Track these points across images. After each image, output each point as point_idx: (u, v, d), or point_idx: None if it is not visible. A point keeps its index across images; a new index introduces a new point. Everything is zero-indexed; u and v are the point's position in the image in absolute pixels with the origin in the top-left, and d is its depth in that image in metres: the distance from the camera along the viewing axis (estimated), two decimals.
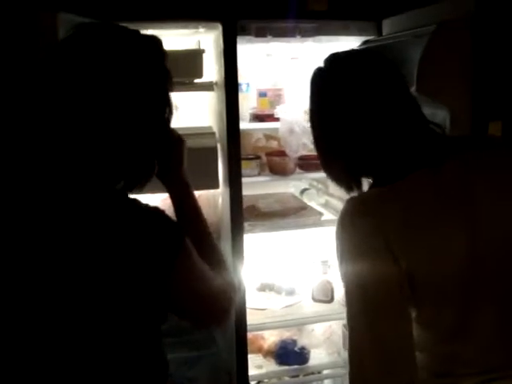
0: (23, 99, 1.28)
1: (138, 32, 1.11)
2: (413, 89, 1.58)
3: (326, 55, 1.27)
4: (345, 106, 1.18)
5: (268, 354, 2.51)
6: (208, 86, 2.18)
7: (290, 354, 2.47)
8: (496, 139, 1.49)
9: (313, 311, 2.49)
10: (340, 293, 2.45)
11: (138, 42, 1.09)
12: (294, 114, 2.24)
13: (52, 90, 1.02)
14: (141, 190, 1.14)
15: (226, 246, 2.18)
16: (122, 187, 1.10)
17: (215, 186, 2.15)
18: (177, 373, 2.15)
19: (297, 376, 2.53)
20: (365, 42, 2.20)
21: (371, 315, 1.08)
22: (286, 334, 2.57)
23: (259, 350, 2.53)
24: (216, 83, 2.16)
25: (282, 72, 2.57)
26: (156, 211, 1.05)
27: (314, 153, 1.34)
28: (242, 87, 2.40)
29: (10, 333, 1.00)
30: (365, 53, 1.35)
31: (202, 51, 2.16)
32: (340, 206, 2.44)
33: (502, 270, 1.12)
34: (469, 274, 1.10)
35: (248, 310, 2.22)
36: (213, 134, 2.18)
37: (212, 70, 2.18)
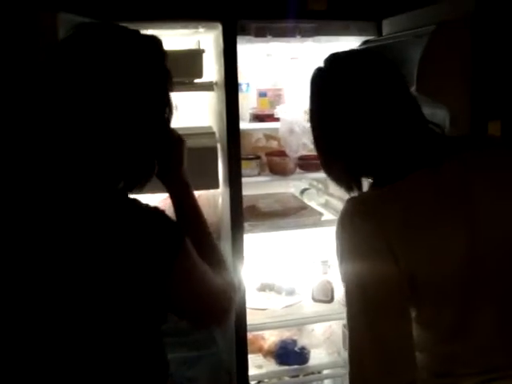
0: (23, 99, 1.28)
1: (138, 32, 1.11)
2: (413, 89, 1.58)
3: (326, 55, 1.27)
4: (345, 106, 1.18)
5: (268, 353, 2.51)
6: (208, 86, 2.18)
7: (290, 354, 2.47)
8: (495, 139, 1.50)
9: (313, 311, 2.49)
10: (340, 293, 2.45)
11: (138, 42, 1.09)
12: (294, 114, 2.24)
13: (52, 90, 1.02)
14: (141, 190, 1.14)
15: (226, 246, 2.18)
16: (122, 187, 1.10)
17: (215, 185, 2.15)
18: (177, 373, 2.15)
19: (297, 376, 2.53)
20: (365, 42, 2.20)
21: (371, 315, 1.08)
22: (286, 334, 2.57)
23: (259, 350, 2.53)
24: (216, 83, 2.16)
25: (282, 72, 2.57)
26: (156, 211, 1.05)
27: (314, 153, 1.34)
28: (242, 87, 2.40)
29: (10, 334, 1.00)
30: (365, 53, 1.35)
31: (202, 51, 2.16)
32: (340, 206, 2.44)
33: (502, 269, 1.12)
34: (468, 274, 1.10)
35: (248, 310, 2.22)
36: (213, 133, 2.18)
37: (212, 69, 2.18)
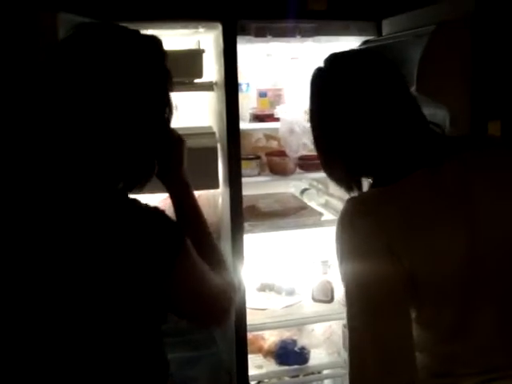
0: (23, 99, 1.28)
1: (137, 32, 1.11)
2: (413, 89, 1.58)
3: (326, 55, 1.27)
4: (345, 106, 1.18)
5: (268, 354, 2.51)
6: (208, 86, 2.18)
7: (290, 354, 2.47)
8: (495, 139, 1.50)
9: (313, 311, 2.49)
10: (340, 293, 2.45)
11: (138, 42, 1.09)
12: (294, 113, 2.24)
13: (52, 90, 1.02)
14: (141, 190, 1.14)
15: (226, 246, 2.18)
16: (122, 187, 1.10)
17: (215, 185, 2.15)
18: (177, 373, 2.15)
19: (297, 376, 2.53)
20: (365, 42, 2.20)
21: (371, 314, 1.08)
22: (286, 334, 2.57)
23: (259, 350, 2.53)
24: (216, 83, 2.16)
25: (282, 72, 2.57)
26: (156, 211, 1.05)
27: (314, 153, 1.34)
28: (242, 87, 2.40)
29: (10, 333, 1.00)
30: (365, 53, 1.35)
31: (202, 51, 2.16)
32: (340, 206, 2.44)
33: (502, 269, 1.12)
34: (468, 274, 1.10)
35: (248, 310, 2.22)
36: (213, 133, 2.18)
37: (212, 69, 2.18)
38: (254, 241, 2.40)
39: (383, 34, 2.17)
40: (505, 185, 1.15)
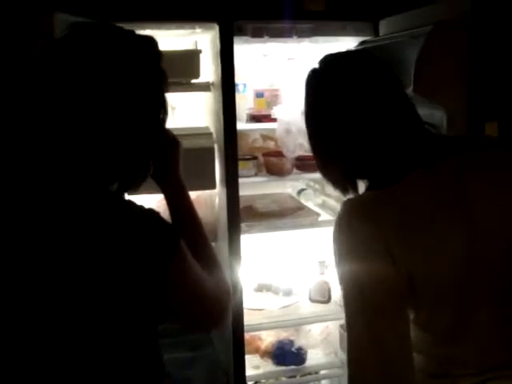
0: (18, 100, 1.27)
1: (133, 32, 1.10)
2: (410, 89, 1.58)
3: (323, 56, 1.27)
4: (339, 108, 1.18)
5: (265, 354, 2.50)
6: (205, 87, 2.18)
7: (287, 355, 2.47)
8: (492, 139, 1.50)
9: (310, 312, 2.49)
10: (337, 293, 2.46)
11: (133, 42, 1.08)
12: (291, 114, 2.23)
13: (46, 90, 1.02)
14: (136, 191, 1.13)
15: (223, 247, 2.18)
16: (117, 188, 1.10)
17: (212, 186, 2.15)
18: (174, 373, 2.15)
19: (294, 376, 2.53)
20: (361, 43, 2.20)
21: (370, 315, 1.08)
22: (283, 335, 2.57)
23: (256, 351, 2.53)
24: (213, 83, 2.16)
25: (279, 72, 2.57)
26: (150, 213, 1.04)
27: (311, 153, 1.34)
28: (239, 87, 2.40)
29: (5, 334, 1.00)
30: (359, 54, 1.35)
31: (199, 51, 2.16)
32: (337, 206, 2.45)
33: (499, 270, 1.13)
34: (466, 274, 1.10)
35: (245, 311, 2.22)
36: (210, 134, 2.18)
37: (209, 70, 2.18)
38: (251, 241, 2.40)
39: (380, 34, 2.17)
40: (502, 186, 1.15)
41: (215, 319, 1.18)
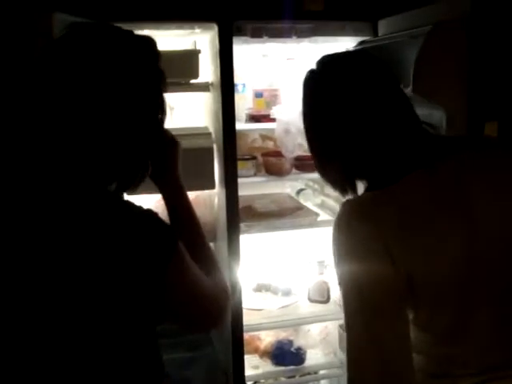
0: (17, 100, 1.27)
1: (131, 32, 1.10)
2: (409, 89, 1.58)
3: (320, 56, 1.27)
4: (338, 108, 1.18)
5: (264, 354, 2.51)
6: (204, 87, 2.18)
7: (286, 355, 2.47)
8: (492, 139, 1.50)
9: (309, 311, 2.49)
10: (336, 293, 2.46)
11: (132, 42, 1.08)
12: (290, 114, 2.23)
13: (44, 90, 1.01)
14: (134, 191, 1.13)
15: (222, 247, 2.18)
16: (115, 188, 1.10)
17: (211, 186, 2.16)
18: (173, 373, 2.15)
19: (293, 376, 2.53)
20: (361, 43, 2.20)
21: (369, 315, 1.08)
22: (283, 335, 2.58)
23: (255, 351, 2.53)
24: (212, 84, 2.16)
25: (278, 72, 2.57)
26: (149, 214, 1.04)
27: (310, 153, 1.34)
28: (238, 88, 2.40)
29: (4, 335, 0.99)
30: (357, 54, 1.34)
31: (198, 52, 2.16)
32: (336, 206, 2.45)
33: (498, 270, 1.13)
34: (465, 274, 1.10)
35: (244, 311, 2.22)
36: (209, 134, 2.18)
37: (208, 70, 2.18)
38: (251, 241, 2.40)
39: (379, 34, 2.17)
40: (501, 186, 1.15)
41: (214, 319, 1.18)
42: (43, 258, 0.96)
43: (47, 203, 0.99)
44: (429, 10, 1.78)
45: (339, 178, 1.25)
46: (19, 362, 0.99)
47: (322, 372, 2.63)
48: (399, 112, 1.18)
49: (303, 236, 2.64)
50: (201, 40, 2.33)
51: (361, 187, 1.25)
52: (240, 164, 2.17)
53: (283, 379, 2.53)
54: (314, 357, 2.58)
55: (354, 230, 1.11)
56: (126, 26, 1.10)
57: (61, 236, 0.97)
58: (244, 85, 2.48)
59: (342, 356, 2.48)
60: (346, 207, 1.15)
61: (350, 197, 1.24)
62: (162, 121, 1.15)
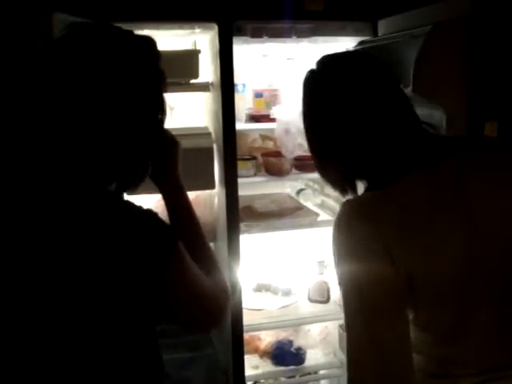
0: (16, 100, 1.27)
1: (131, 32, 1.10)
2: (409, 89, 1.58)
3: (320, 56, 1.27)
4: (337, 108, 1.18)
5: (264, 354, 2.51)
6: (204, 87, 2.18)
7: (286, 355, 2.47)
8: (492, 139, 1.50)
9: (309, 312, 2.49)
10: (336, 293, 2.46)
11: (132, 42, 1.08)
12: (290, 114, 2.23)
13: (44, 90, 1.01)
14: (134, 191, 1.13)
15: (222, 247, 2.18)
16: (115, 188, 1.10)
17: (211, 186, 2.16)
18: (173, 373, 2.15)
19: (293, 376, 2.54)
20: (361, 43, 2.20)
21: (369, 315, 1.08)
22: (283, 335, 2.58)
23: (256, 351, 2.53)
24: (212, 84, 2.16)
25: (278, 72, 2.57)
26: (149, 214, 1.04)
27: (310, 153, 1.34)
28: (238, 88, 2.39)
29: (4, 335, 0.99)
30: (357, 54, 1.34)
31: (198, 52, 2.16)
32: (336, 206, 2.46)
33: (498, 270, 1.12)
34: (465, 275, 1.10)
35: (244, 311, 2.22)
36: (209, 134, 2.18)
37: (208, 70, 2.18)
38: (250, 241, 2.40)
39: (379, 34, 2.17)
40: (501, 186, 1.15)
41: (214, 319, 1.18)
42: (43, 259, 0.96)
43: (47, 203, 0.99)
44: (429, 10, 1.78)
45: (339, 178, 1.25)
46: (19, 363, 0.99)
47: (322, 372, 2.63)
48: (399, 112, 1.18)
49: (303, 236, 2.64)
50: (201, 40, 2.33)
51: (361, 187, 1.25)
52: (240, 164, 2.17)
53: (283, 379, 2.53)
54: (313, 357, 2.58)
55: (354, 230, 1.11)
56: (126, 26, 1.10)
57: (61, 236, 0.97)
58: (244, 85, 2.48)
59: (342, 356, 2.48)
60: (346, 207, 1.15)
61: (350, 197, 1.24)
62: (161, 121, 1.15)
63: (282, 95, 2.55)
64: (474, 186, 1.13)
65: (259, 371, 2.47)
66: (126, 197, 1.18)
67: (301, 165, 2.36)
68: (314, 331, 2.68)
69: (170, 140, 1.29)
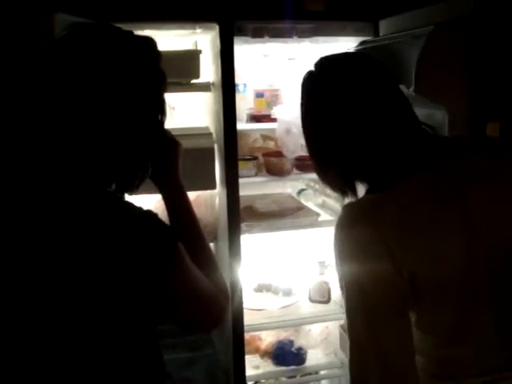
0: (17, 100, 1.27)
1: (131, 33, 1.10)
2: (411, 89, 1.58)
3: (323, 56, 1.26)
4: (336, 110, 1.17)
5: (265, 354, 2.51)
6: (205, 87, 2.18)
7: (287, 355, 2.47)
8: (493, 140, 1.49)
9: (310, 312, 2.49)
10: (337, 293, 2.46)
11: (132, 42, 1.08)
12: (291, 114, 2.23)
13: (44, 91, 1.01)
14: (134, 192, 1.13)
15: (223, 247, 2.18)
16: (115, 189, 1.09)
17: (212, 186, 2.15)
18: (174, 374, 2.15)
19: (294, 376, 2.54)
20: (362, 43, 2.20)
21: (370, 315, 1.08)
22: (283, 335, 2.58)
23: (256, 351, 2.53)
24: (213, 84, 2.16)
25: (279, 72, 2.57)
26: (149, 215, 1.04)
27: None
28: (239, 88, 2.39)
29: (4, 336, 0.99)
30: (355, 56, 1.34)
31: (199, 52, 2.16)
32: (337, 206, 2.46)
33: (498, 272, 1.12)
34: (465, 276, 1.10)
35: (245, 311, 2.22)
36: (210, 134, 2.18)
37: (209, 70, 2.18)
38: (251, 241, 2.40)
39: (380, 34, 2.16)
40: (501, 189, 1.15)
41: (213, 320, 1.18)
42: (43, 260, 0.96)
43: (47, 204, 0.99)
44: (430, 11, 1.78)
45: (339, 181, 1.25)
46: (20, 363, 0.99)
47: (322, 372, 2.63)
48: (398, 113, 1.18)
49: (304, 236, 2.64)
50: (202, 40, 2.33)
51: (361, 189, 1.24)
52: (241, 164, 2.17)
53: (284, 379, 2.53)
54: (314, 357, 2.58)
55: (355, 233, 1.11)
56: (127, 27, 1.10)
57: (61, 237, 0.97)
58: (245, 85, 2.48)
59: (343, 356, 2.48)
60: (347, 210, 1.15)
61: (350, 199, 1.23)
62: (162, 121, 1.15)
63: (283, 95, 2.55)
64: (474, 187, 1.12)
65: (260, 371, 2.47)
66: (127, 197, 1.17)
67: (302, 165, 2.35)
68: (315, 331, 2.68)
69: (170, 140, 1.29)
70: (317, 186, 2.70)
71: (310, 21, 2.12)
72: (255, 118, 2.41)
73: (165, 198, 1.29)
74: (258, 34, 2.08)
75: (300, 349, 2.49)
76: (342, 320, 2.43)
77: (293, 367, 2.48)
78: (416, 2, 1.86)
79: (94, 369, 1.01)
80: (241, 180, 2.12)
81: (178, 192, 1.29)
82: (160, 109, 1.13)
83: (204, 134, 2.17)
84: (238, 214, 2.11)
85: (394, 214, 1.10)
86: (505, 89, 1.64)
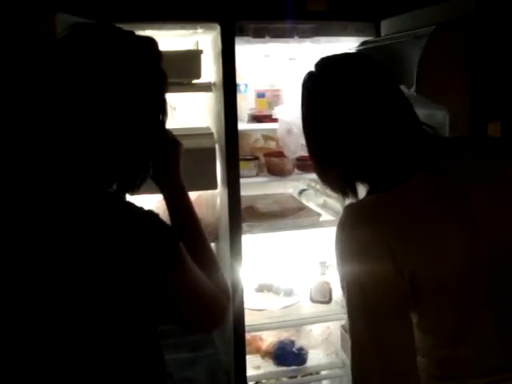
0: (18, 100, 1.27)
1: (132, 33, 1.10)
2: (412, 89, 1.58)
3: (324, 56, 1.26)
4: (337, 111, 1.17)
5: (266, 354, 2.51)
6: (206, 87, 2.18)
7: (288, 355, 2.47)
8: (495, 140, 1.49)
9: (311, 312, 2.49)
10: (338, 293, 2.46)
11: (133, 42, 1.08)
12: (292, 114, 2.23)
13: (45, 91, 1.01)
14: (135, 192, 1.13)
15: (224, 247, 2.18)
16: (116, 189, 1.09)
17: (213, 186, 2.15)
18: (175, 373, 2.15)
19: (295, 377, 2.54)
20: (363, 43, 2.20)
21: (371, 316, 1.08)
22: (284, 335, 2.58)
23: (257, 351, 2.53)
24: (214, 84, 2.16)
25: (280, 73, 2.57)
26: (150, 215, 1.04)
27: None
28: (240, 88, 2.39)
29: (5, 337, 0.99)
30: (355, 56, 1.34)
31: (200, 52, 2.16)
32: (338, 206, 2.46)
33: (499, 273, 1.12)
34: (466, 276, 1.10)
35: (246, 311, 2.22)
36: (211, 134, 2.18)
37: (210, 70, 2.18)
38: (253, 241, 2.41)
39: (382, 34, 2.16)
40: (502, 190, 1.15)
41: (214, 320, 1.18)
42: (44, 260, 0.96)
43: (48, 204, 0.99)
44: (432, 11, 1.78)
45: (339, 182, 1.24)
46: (21, 364, 0.99)
47: (323, 372, 2.63)
48: (399, 114, 1.17)
49: (305, 236, 2.64)
50: (203, 40, 2.33)
51: (361, 189, 1.24)
52: (242, 164, 2.17)
53: (285, 379, 2.53)
54: (315, 357, 2.58)
55: (356, 234, 1.11)
56: (128, 27, 1.10)
57: (62, 237, 0.97)
58: (246, 85, 2.48)
59: (344, 356, 2.48)
60: (348, 211, 1.15)
61: (351, 200, 1.23)
62: (163, 121, 1.15)
63: (285, 95, 2.55)
64: (475, 188, 1.12)
65: (261, 371, 2.47)
66: (128, 197, 1.17)
67: (303, 165, 2.35)
68: (316, 331, 2.68)
69: (171, 140, 1.29)
70: (318, 186, 2.70)
71: (311, 21, 2.12)
72: (256, 118, 2.41)
73: (166, 198, 1.29)
74: (259, 34, 2.08)
75: (301, 349, 2.49)
76: (343, 320, 2.43)
77: (294, 367, 2.49)
78: (417, 2, 1.86)
79: (95, 369, 1.01)
80: (242, 180, 2.12)
81: (179, 192, 1.29)
82: (161, 109, 1.13)
83: (205, 134, 2.17)
84: (239, 214, 2.11)
85: (395, 215, 1.10)
86: (506, 89, 1.64)
